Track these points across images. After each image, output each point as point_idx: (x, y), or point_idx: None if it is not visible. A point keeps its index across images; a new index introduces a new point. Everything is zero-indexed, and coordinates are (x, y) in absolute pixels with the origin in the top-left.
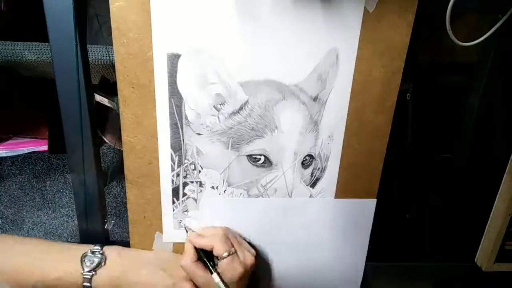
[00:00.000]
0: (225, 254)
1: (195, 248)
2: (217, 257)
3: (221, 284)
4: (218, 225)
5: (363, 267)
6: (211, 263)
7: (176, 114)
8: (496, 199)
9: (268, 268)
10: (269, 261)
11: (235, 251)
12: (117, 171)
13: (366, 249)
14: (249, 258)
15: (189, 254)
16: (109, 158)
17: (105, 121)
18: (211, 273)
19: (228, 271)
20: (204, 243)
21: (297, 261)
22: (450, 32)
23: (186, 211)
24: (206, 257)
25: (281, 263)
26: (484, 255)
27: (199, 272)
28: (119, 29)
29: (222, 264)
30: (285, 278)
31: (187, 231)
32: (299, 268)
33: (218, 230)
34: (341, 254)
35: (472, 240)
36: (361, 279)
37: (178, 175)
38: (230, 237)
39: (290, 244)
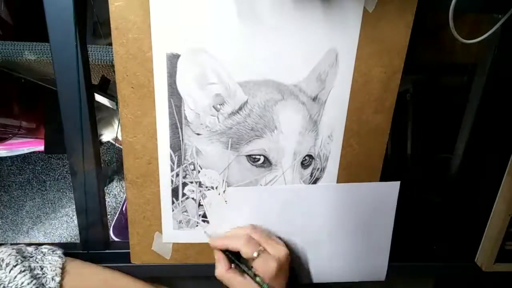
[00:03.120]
0: (255, 254)
1: (225, 254)
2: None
3: (263, 284)
4: (243, 215)
5: (388, 251)
6: (246, 265)
7: (175, 114)
8: (496, 199)
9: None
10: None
11: (264, 249)
12: (117, 171)
13: (391, 235)
14: (280, 250)
15: (221, 262)
16: (109, 158)
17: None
18: (250, 276)
19: (263, 270)
20: (229, 246)
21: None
22: (453, 30)
23: (186, 211)
24: (238, 260)
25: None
26: (484, 255)
27: (237, 278)
28: (119, 29)
29: (255, 265)
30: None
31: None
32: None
33: (241, 231)
34: (367, 240)
35: (472, 240)
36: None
37: (177, 175)
38: (255, 235)
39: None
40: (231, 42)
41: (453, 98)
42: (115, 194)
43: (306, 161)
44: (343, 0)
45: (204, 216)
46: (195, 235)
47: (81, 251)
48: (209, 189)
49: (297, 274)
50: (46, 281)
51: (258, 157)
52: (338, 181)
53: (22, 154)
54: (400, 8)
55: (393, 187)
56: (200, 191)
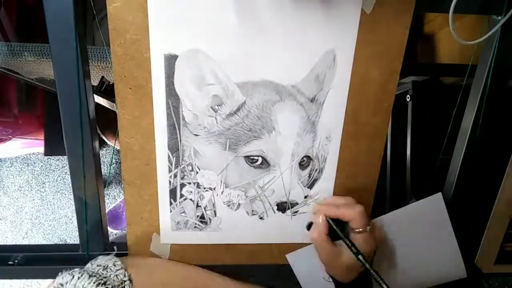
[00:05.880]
0: (368, 228)
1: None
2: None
3: (366, 262)
4: None
5: (459, 253)
6: (346, 237)
7: (173, 115)
8: (496, 200)
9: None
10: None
11: (373, 224)
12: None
13: (455, 239)
14: (381, 234)
15: (323, 227)
16: (109, 160)
17: (105, 120)
18: (350, 248)
19: (364, 247)
20: (342, 213)
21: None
22: (452, 32)
23: (184, 212)
24: (339, 229)
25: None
26: (484, 257)
27: (329, 247)
28: (116, 30)
29: (359, 239)
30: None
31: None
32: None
33: (354, 202)
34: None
35: (472, 241)
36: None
37: (175, 176)
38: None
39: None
40: (229, 43)
41: (453, 99)
42: (115, 196)
43: (304, 162)
44: (341, 1)
45: (202, 217)
46: (193, 236)
47: (80, 253)
48: (207, 190)
49: None
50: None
51: (256, 158)
52: (336, 182)
53: (21, 155)
54: (398, 9)
55: (437, 199)
56: (198, 192)
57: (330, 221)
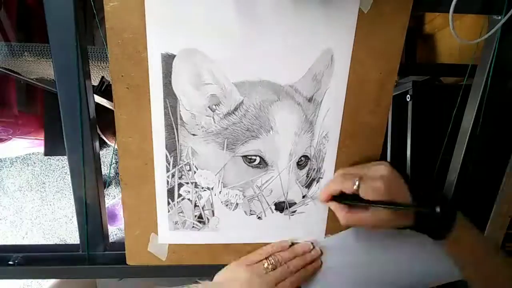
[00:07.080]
0: (355, 186)
1: (339, 202)
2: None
3: (376, 206)
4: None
5: None
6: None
7: (171, 114)
8: (496, 200)
9: None
10: None
11: (361, 176)
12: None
13: None
14: (380, 169)
15: (338, 210)
16: (109, 160)
17: (105, 120)
18: (366, 205)
19: (372, 194)
20: (331, 190)
21: None
22: (452, 31)
23: (182, 212)
24: (349, 199)
25: None
26: None
27: (362, 215)
28: (114, 29)
29: (362, 194)
30: None
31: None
32: None
33: (335, 175)
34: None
35: None
36: None
37: (173, 176)
38: (350, 170)
39: None
40: (227, 43)
41: (453, 99)
42: (115, 196)
43: (302, 162)
44: (338, 1)
45: (200, 217)
46: (191, 236)
47: (80, 253)
48: (204, 190)
49: None
50: None
51: (254, 157)
52: None
53: (21, 155)
54: (395, 9)
55: None
56: (196, 191)
57: (339, 202)
